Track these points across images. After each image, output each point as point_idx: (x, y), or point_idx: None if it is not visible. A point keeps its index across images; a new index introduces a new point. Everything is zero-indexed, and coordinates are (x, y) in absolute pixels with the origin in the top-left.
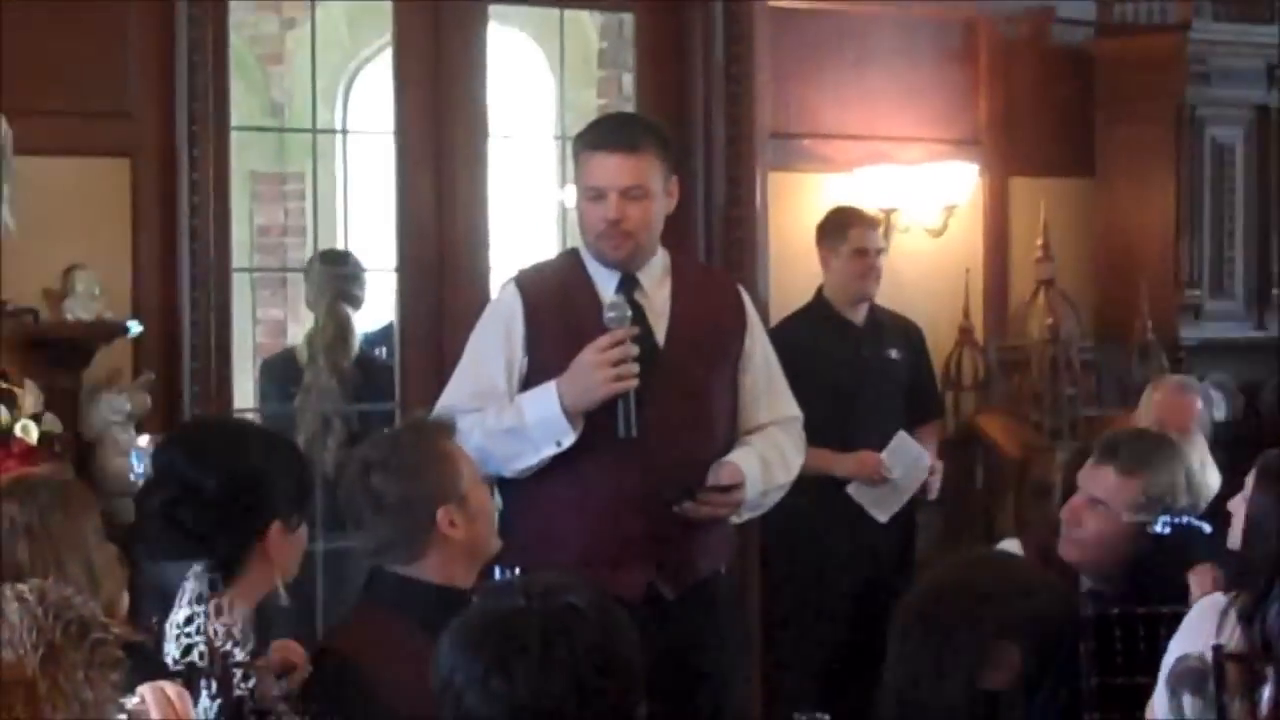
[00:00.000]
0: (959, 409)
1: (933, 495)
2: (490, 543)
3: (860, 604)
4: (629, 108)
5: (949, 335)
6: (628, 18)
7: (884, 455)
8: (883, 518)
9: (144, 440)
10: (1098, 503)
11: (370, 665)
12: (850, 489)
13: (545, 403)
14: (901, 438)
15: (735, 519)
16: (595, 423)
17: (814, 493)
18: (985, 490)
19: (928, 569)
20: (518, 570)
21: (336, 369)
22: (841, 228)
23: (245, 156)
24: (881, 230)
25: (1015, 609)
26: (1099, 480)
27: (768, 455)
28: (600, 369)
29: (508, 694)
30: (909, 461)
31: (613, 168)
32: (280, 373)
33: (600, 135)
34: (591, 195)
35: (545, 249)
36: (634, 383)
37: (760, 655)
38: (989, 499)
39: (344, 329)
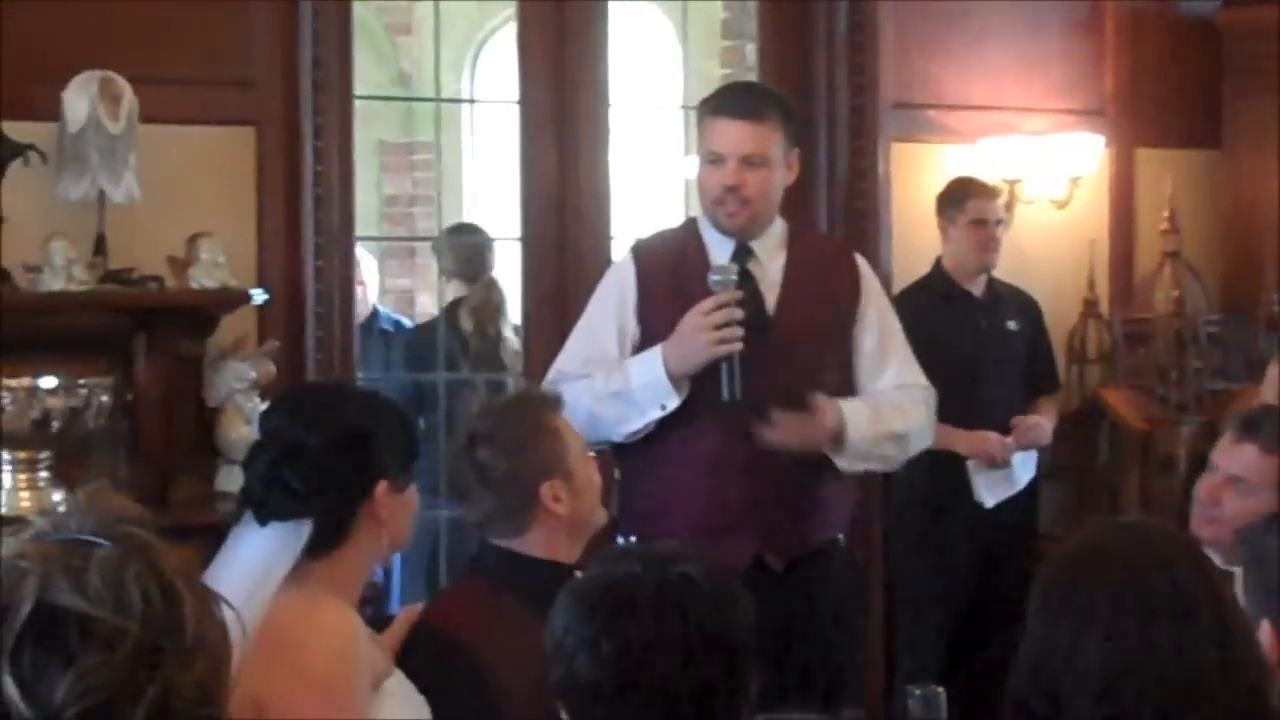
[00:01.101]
0: (1083, 382)
1: (1043, 442)
2: (595, 518)
3: (981, 577)
4: (752, 77)
5: (1073, 308)
6: None
7: (1010, 438)
8: (989, 502)
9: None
10: (1238, 480)
11: (471, 638)
12: (969, 464)
13: (650, 366)
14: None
15: (843, 464)
16: (703, 388)
17: (934, 466)
18: (1109, 464)
19: (1053, 541)
20: (634, 539)
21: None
22: (960, 198)
23: (374, 126)
24: (1001, 201)
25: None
26: (1238, 457)
27: (878, 403)
28: (703, 331)
29: (617, 658)
30: (1026, 468)
31: (734, 134)
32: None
33: (724, 101)
34: (711, 160)
35: (669, 219)
36: (738, 346)
37: (882, 628)
38: (1113, 473)
39: (493, 296)
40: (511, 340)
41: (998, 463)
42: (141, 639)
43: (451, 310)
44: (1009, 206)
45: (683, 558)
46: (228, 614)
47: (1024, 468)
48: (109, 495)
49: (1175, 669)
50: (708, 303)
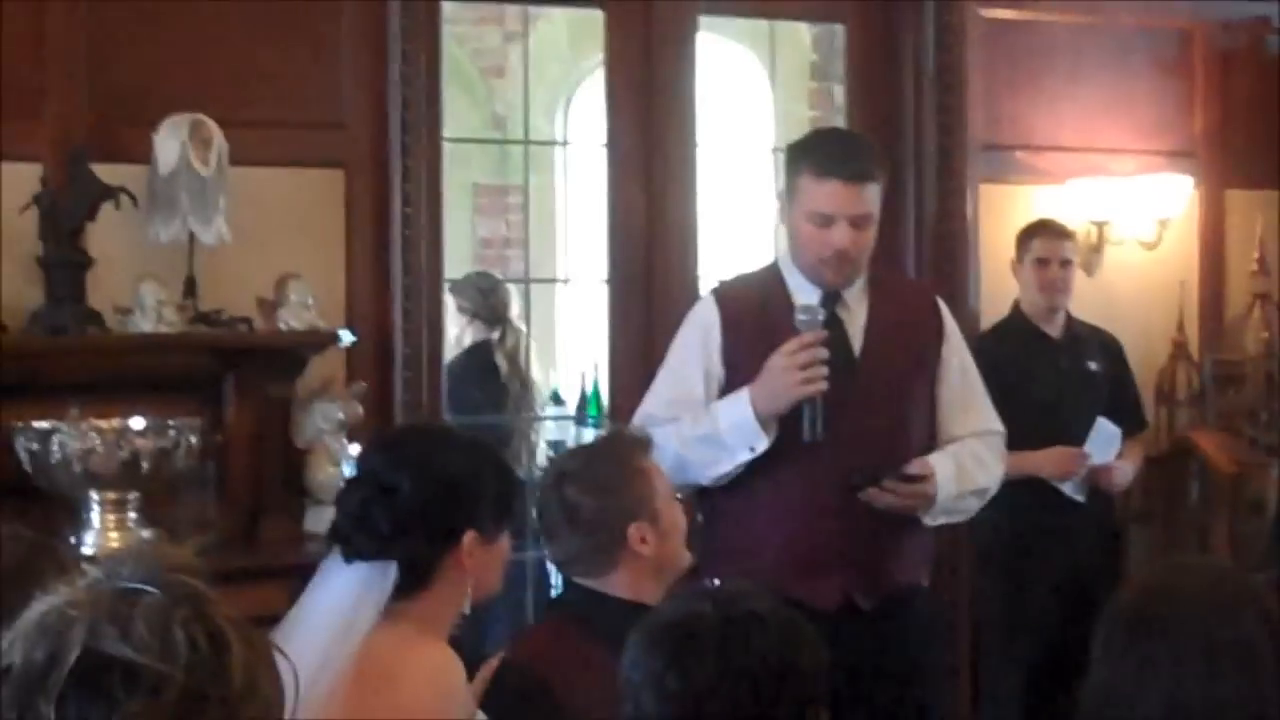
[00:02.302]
0: (1173, 424)
1: (1118, 488)
2: (680, 561)
3: (1066, 622)
4: (840, 119)
5: (1162, 349)
6: (839, 29)
7: (1088, 446)
8: (1081, 496)
9: (355, 449)
10: None
11: (552, 677)
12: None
13: (738, 408)
14: (1100, 424)
15: (927, 520)
16: (791, 430)
17: (1017, 508)
18: (1199, 507)
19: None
20: (718, 582)
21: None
22: (1028, 238)
23: (468, 169)
24: (1072, 243)
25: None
26: None
27: (963, 459)
28: (789, 372)
29: (681, 694)
30: (1110, 443)
31: (845, 197)
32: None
33: (831, 163)
34: (818, 221)
35: (758, 259)
36: (823, 386)
37: (969, 673)
38: (1202, 516)
39: (522, 340)
40: (540, 383)
41: (1078, 475)
42: (186, 686)
43: (478, 352)
44: (1098, 248)
45: (751, 596)
46: (282, 664)
47: (1103, 456)
48: (163, 544)
49: (1238, 716)
50: (793, 343)
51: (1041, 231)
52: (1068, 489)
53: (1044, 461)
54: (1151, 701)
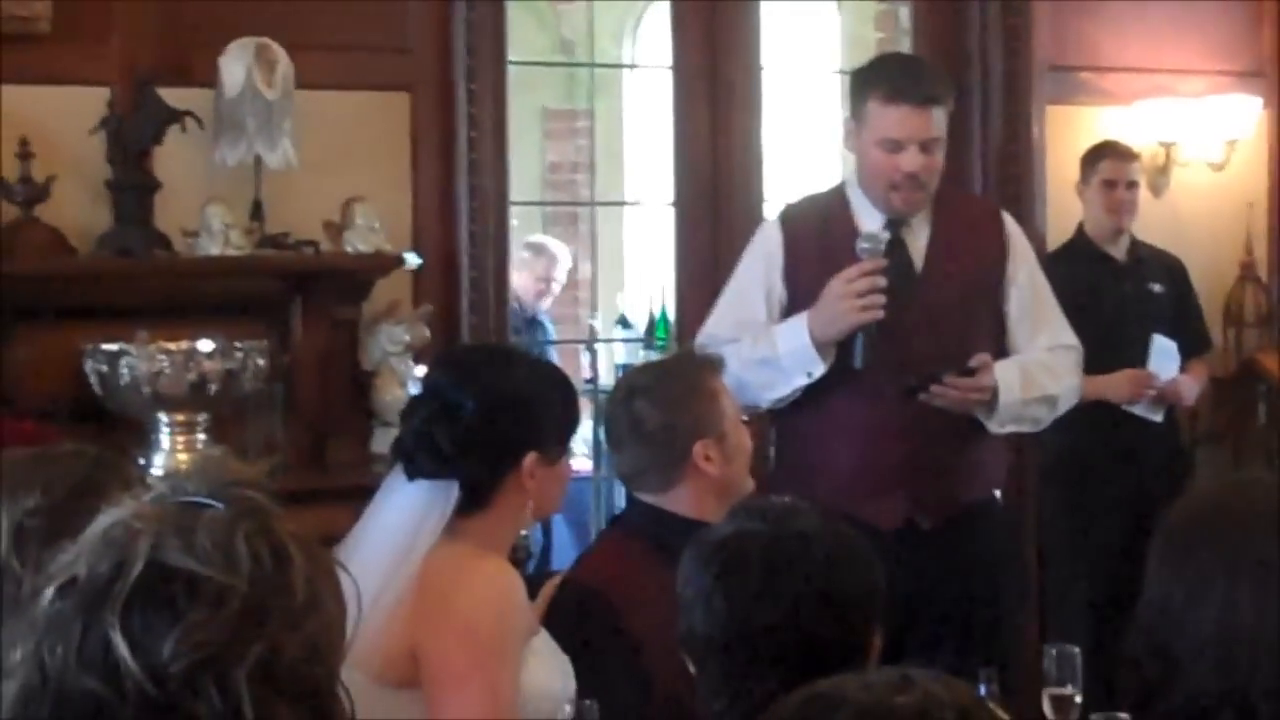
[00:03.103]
0: (1241, 346)
1: (1188, 401)
2: (744, 484)
3: (1132, 540)
4: (906, 41)
5: (1230, 271)
6: None
7: (1150, 366)
8: (1158, 416)
9: (421, 371)
10: None
11: (613, 594)
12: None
13: (796, 333)
14: (1157, 341)
15: (994, 426)
16: (852, 354)
17: (1083, 427)
18: (1267, 427)
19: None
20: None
21: None
22: (1094, 160)
23: (537, 93)
24: (1138, 165)
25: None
26: None
27: (1029, 366)
28: (846, 299)
29: (726, 613)
30: (1169, 359)
31: (915, 122)
32: None
33: (900, 88)
34: (888, 147)
35: (825, 182)
36: (879, 314)
37: (1036, 588)
38: (1270, 436)
39: None
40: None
41: (1147, 396)
42: (249, 597)
43: None
44: (1165, 170)
45: (802, 515)
46: (345, 580)
47: (1169, 373)
48: (228, 460)
49: None
50: (851, 270)
51: (1108, 153)
52: (1140, 410)
53: (1111, 385)
54: (1205, 618)
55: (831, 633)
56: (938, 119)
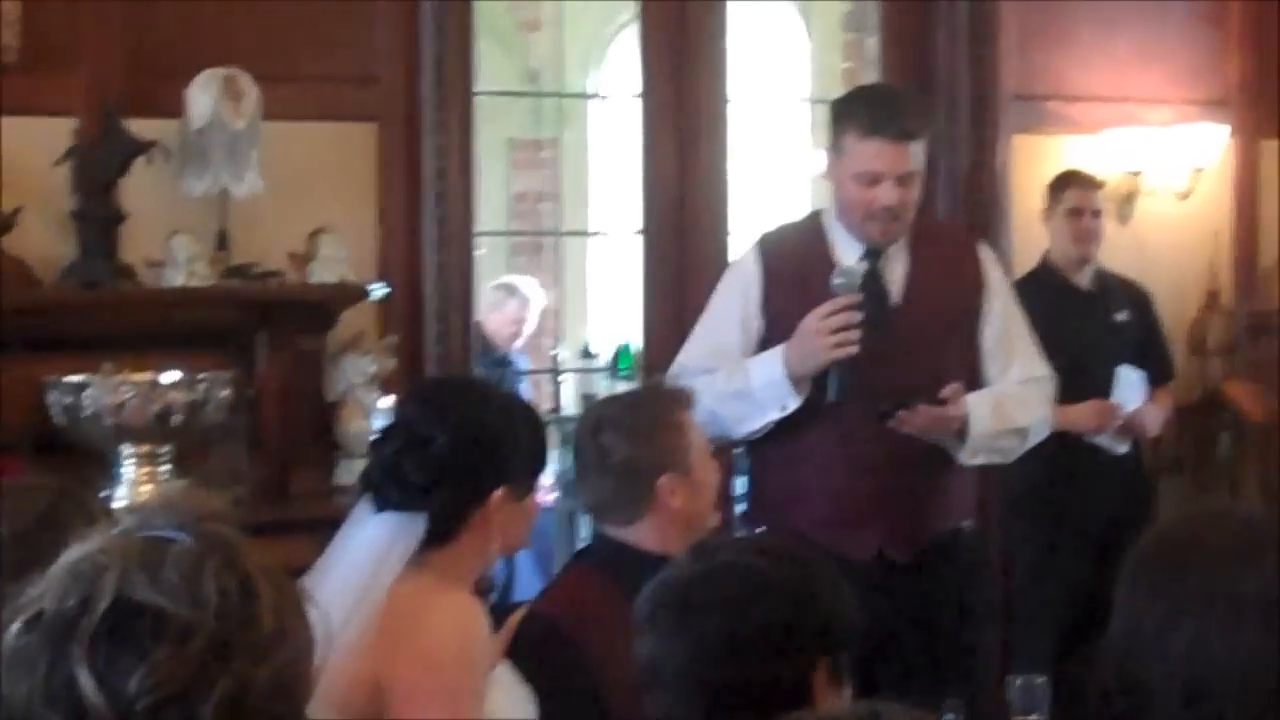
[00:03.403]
0: (1205, 375)
1: (1152, 432)
2: (709, 518)
3: (1096, 569)
4: (873, 71)
5: (1195, 300)
6: None
7: (1116, 397)
8: (1122, 448)
9: (387, 402)
10: None
11: (576, 628)
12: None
13: (771, 366)
14: (1123, 372)
15: (964, 457)
16: (826, 387)
17: (1048, 456)
18: (1230, 457)
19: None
20: (763, 530)
21: None
22: (1059, 188)
23: (503, 124)
24: (1103, 193)
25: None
26: None
27: (1000, 397)
28: (821, 335)
29: (654, 653)
30: (1135, 390)
31: (892, 156)
32: None
33: (878, 122)
34: (864, 180)
35: (792, 212)
36: (854, 350)
37: (1001, 617)
38: (1234, 466)
39: None
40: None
41: (1112, 427)
42: (215, 633)
43: None
44: (1131, 198)
45: (744, 552)
46: (314, 612)
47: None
48: (196, 493)
49: (1262, 668)
50: (825, 307)
51: (1073, 182)
52: (1104, 441)
53: (1077, 416)
54: (1176, 650)
55: (742, 673)
56: (915, 153)
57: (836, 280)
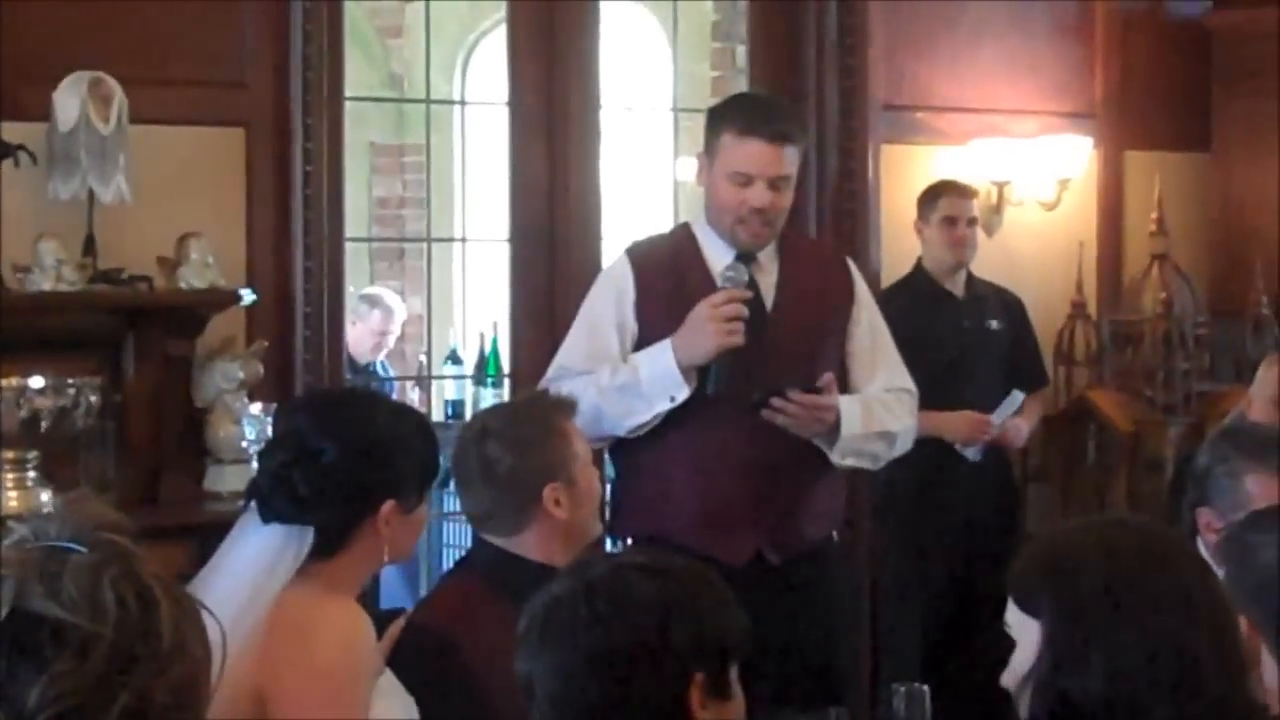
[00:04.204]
0: (1071, 384)
1: (1018, 444)
2: (592, 528)
3: (964, 577)
4: (742, 80)
5: (1061, 309)
6: None
7: (994, 416)
8: (977, 456)
9: (256, 408)
10: None
11: (460, 636)
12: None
13: (660, 357)
14: (1013, 395)
15: (835, 457)
16: (704, 387)
17: (916, 464)
18: (1097, 466)
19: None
20: (629, 541)
21: None
22: (933, 197)
23: (364, 128)
24: (976, 202)
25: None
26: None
27: (869, 401)
28: (712, 322)
29: (524, 667)
30: (1011, 409)
31: (766, 157)
32: None
33: (754, 122)
34: (738, 181)
35: (659, 220)
36: (740, 340)
37: (869, 626)
38: (1100, 475)
39: None
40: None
41: (983, 440)
42: (115, 645)
43: None
44: (998, 209)
45: (613, 569)
46: (209, 621)
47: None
48: (90, 502)
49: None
50: (718, 295)
51: (948, 190)
52: (968, 452)
53: (949, 423)
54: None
55: (609, 692)
56: (789, 157)
57: (727, 273)
